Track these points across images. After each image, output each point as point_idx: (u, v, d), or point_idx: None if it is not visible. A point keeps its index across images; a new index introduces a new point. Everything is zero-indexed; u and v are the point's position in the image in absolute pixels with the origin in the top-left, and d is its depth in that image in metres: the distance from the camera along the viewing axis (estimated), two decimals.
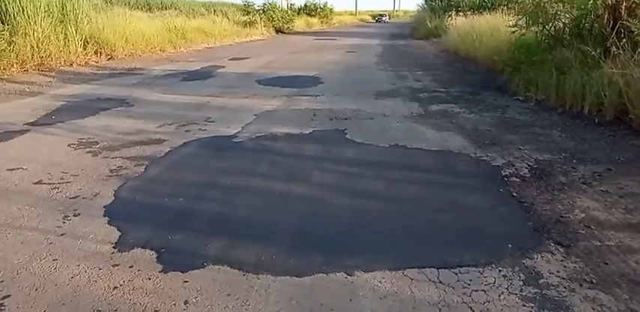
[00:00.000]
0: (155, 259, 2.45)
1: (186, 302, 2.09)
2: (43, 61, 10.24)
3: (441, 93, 7.39)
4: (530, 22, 6.32)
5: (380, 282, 2.26)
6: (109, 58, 12.49)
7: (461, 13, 18.84)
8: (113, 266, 2.39)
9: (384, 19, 56.72)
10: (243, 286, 2.21)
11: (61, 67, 10.46)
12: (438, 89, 7.74)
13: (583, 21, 6.13)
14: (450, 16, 19.30)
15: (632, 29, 5.09)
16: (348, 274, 2.32)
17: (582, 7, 5.68)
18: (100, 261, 2.44)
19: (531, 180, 3.60)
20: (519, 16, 6.69)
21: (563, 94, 5.81)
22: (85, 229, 2.79)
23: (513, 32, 6.91)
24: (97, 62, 11.81)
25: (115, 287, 2.20)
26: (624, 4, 5.46)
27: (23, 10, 10.10)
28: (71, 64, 10.91)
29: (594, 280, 2.27)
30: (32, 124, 5.50)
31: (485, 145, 4.45)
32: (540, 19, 6.23)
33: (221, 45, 19.04)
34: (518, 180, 3.61)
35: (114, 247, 2.57)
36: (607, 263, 2.43)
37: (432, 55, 14.37)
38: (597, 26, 5.99)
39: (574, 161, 4.01)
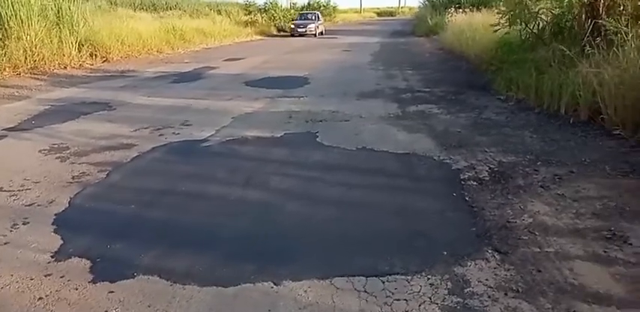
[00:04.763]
0: (88, 269, 2.47)
1: None
2: (36, 65, 10.32)
3: (425, 93, 7.34)
4: (511, 20, 6.24)
5: (305, 292, 2.26)
6: (104, 61, 12.57)
7: (460, 10, 18.71)
8: (45, 276, 2.41)
9: (310, 26, 24.34)
10: (166, 297, 2.22)
11: (54, 71, 10.54)
12: (422, 89, 7.70)
13: (563, 19, 6.05)
14: (450, 13, 19.19)
15: (608, 27, 5.01)
16: (275, 284, 2.32)
17: (561, 5, 5.60)
18: (34, 271, 2.46)
19: (488, 183, 3.57)
20: (501, 15, 6.61)
21: (541, 93, 5.75)
22: (29, 238, 2.82)
23: (495, 31, 6.84)
24: (92, 65, 11.89)
25: (40, 298, 2.22)
26: (601, 1, 5.37)
27: (16, 15, 10.20)
28: (65, 67, 10.99)
29: (521, 289, 2.25)
30: (10, 129, 5.56)
31: (452, 148, 4.42)
32: (520, 18, 6.15)
33: (220, 45, 19.08)
34: (475, 184, 3.58)
35: (52, 257, 2.60)
36: (540, 271, 2.40)
37: (428, 53, 14.29)
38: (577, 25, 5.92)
39: (538, 163, 3.97)
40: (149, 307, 2.15)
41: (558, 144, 4.46)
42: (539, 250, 2.61)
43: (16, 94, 8.03)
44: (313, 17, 26.30)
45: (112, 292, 2.27)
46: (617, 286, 2.27)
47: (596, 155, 4.11)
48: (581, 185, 3.49)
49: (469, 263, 2.48)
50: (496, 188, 3.47)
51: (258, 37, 23.59)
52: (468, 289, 2.25)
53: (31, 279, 2.39)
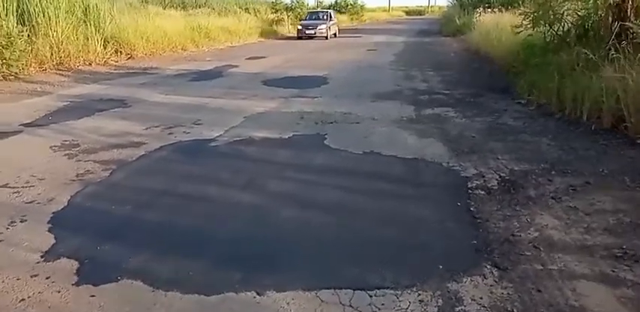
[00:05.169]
0: (74, 271, 2.45)
1: None
2: (62, 61, 10.52)
3: (443, 95, 7.16)
4: (534, 22, 6.00)
5: (288, 304, 2.18)
6: (129, 58, 12.75)
7: (489, 10, 18.29)
8: (31, 277, 2.39)
9: (321, 27, 21.02)
10: (146, 304, 2.17)
11: (79, 67, 10.73)
12: (441, 91, 7.51)
13: (588, 21, 5.79)
14: (478, 12, 18.78)
15: (635, 30, 4.75)
16: (258, 294, 2.25)
17: (586, 6, 5.36)
18: (21, 270, 2.45)
19: (497, 193, 3.41)
20: (525, 16, 6.37)
21: (563, 98, 5.51)
22: (23, 236, 2.82)
23: (518, 32, 6.60)
24: (116, 61, 12.05)
25: (22, 299, 2.20)
26: (629, 3, 5.10)
27: (44, 12, 10.42)
28: (90, 64, 11.16)
29: (516, 310, 2.11)
30: (27, 125, 5.65)
31: (463, 154, 4.26)
32: (543, 19, 5.91)
33: (244, 43, 19.13)
34: (482, 193, 3.43)
35: (41, 257, 2.59)
36: (540, 290, 2.26)
37: (453, 53, 14.00)
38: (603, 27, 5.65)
39: (552, 173, 3.78)
40: None
41: (577, 153, 4.25)
42: (541, 267, 2.47)
43: (39, 89, 8.19)
44: (325, 17, 22.75)
45: (94, 296, 2.23)
46: (623, 309, 2.12)
47: (615, 166, 3.90)
48: (597, 198, 3.30)
49: (465, 279, 2.36)
50: (504, 198, 3.32)
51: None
52: (459, 308, 2.13)
53: (18, 279, 2.37)
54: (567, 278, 2.36)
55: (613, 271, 2.40)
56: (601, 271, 2.41)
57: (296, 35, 21.54)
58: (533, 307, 2.13)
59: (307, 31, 20.94)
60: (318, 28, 20.99)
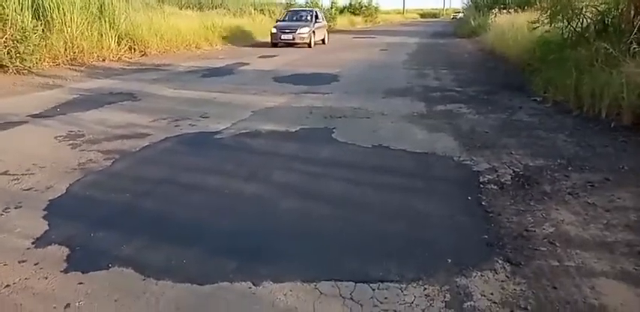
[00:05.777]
0: (65, 257, 2.35)
1: (67, 306, 1.96)
2: (75, 56, 10.51)
3: (456, 92, 6.99)
4: (551, 17, 5.82)
5: (284, 295, 2.05)
6: (143, 55, 12.73)
7: (504, 11, 18.03)
8: (19, 262, 2.30)
9: (302, 31, 15.77)
10: (136, 292, 2.06)
11: (92, 62, 10.71)
12: (454, 88, 7.34)
13: (608, 16, 5.58)
14: (494, 13, 18.51)
15: None
16: (254, 284, 2.13)
17: (607, 1, 5.16)
18: (11, 256, 2.36)
19: (510, 188, 3.25)
20: (542, 12, 6.19)
21: (581, 95, 5.32)
22: (16, 223, 2.73)
23: (534, 28, 6.42)
24: (130, 58, 12.05)
25: (7, 285, 2.11)
26: None
27: (59, 8, 10.46)
28: (103, 60, 11.15)
29: (530, 307, 1.96)
30: (35, 116, 5.60)
31: (475, 149, 4.10)
32: (561, 15, 5.72)
33: (257, 42, 19.07)
34: (495, 187, 3.27)
35: (32, 243, 2.49)
36: (555, 287, 2.11)
37: (467, 53, 13.80)
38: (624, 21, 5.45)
39: (569, 169, 3.61)
40: (115, 301, 2.00)
41: (594, 149, 4.07)
42: (557, 263, 2.31)
43: (51, 83, 8.18)
44: (308, 17, 17.36)
45: (82, 283, 2.13)
46: None
47: (634, 163, 3.71)
48: (616, 194, 3.12)
49: (474, 274, 2.21)
50: (518, 193, 3.16)
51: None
52: (468, 303, 1.99)
53: (5, 265, 2.28)
54: (585, 275, 2.20)
55: (635, 269, 2.24)
56: (622, 269, 2.24)
57: (270, 41, 16.34)
58: (549, 305, 1.98)
59: (283, 36, 15.82)
60: (298, 32, 15.87)
